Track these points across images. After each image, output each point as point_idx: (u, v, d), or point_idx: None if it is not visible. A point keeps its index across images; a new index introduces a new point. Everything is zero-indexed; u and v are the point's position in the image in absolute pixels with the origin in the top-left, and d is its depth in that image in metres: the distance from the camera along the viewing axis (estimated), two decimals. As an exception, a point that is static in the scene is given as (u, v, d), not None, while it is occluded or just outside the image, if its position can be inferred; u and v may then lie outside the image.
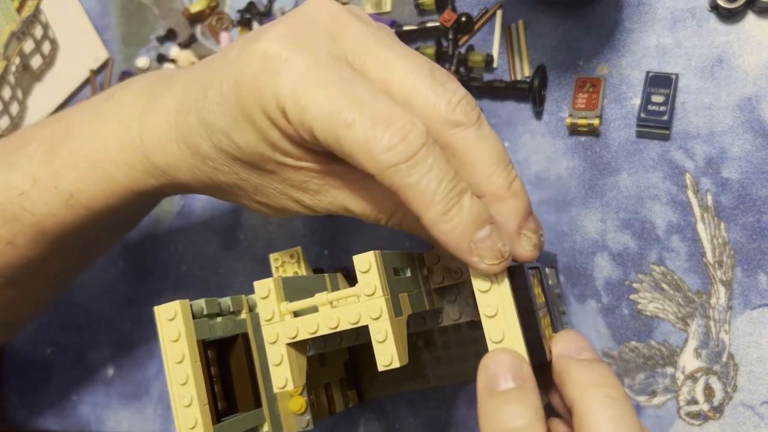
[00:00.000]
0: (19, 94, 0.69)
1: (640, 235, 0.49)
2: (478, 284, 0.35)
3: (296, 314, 0.36)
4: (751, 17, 0.48)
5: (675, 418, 0.47)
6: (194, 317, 0.39)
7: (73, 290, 0.66)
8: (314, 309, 0.36)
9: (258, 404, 0.41)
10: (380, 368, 0.34)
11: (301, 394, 0.44)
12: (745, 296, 0.46)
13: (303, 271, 0.44)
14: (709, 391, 0.46)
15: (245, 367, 0.42)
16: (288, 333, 0.36)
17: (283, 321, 0.36)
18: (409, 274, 0.39)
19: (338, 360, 0.50)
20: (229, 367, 0.42)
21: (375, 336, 0.34)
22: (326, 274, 0.43)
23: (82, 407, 0.65)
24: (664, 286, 0.48)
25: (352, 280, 0.46)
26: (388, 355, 0.34)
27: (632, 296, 0.49)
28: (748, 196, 0.47)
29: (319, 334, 0.35)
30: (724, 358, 0.46)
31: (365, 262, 0.34)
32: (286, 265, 0.45)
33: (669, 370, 0.47)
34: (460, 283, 0.41)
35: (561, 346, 0.36)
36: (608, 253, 0.49)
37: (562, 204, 0.51)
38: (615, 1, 0.51)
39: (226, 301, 0.41)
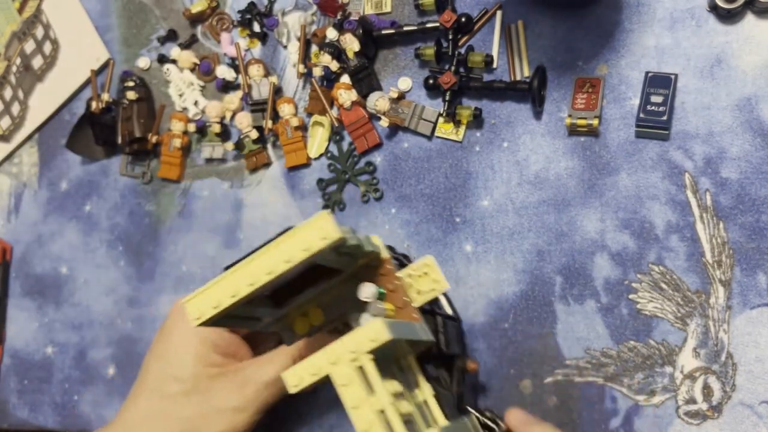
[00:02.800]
0: (21, 94, 0.69)
1: (639, 235, 0.49)
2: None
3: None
4: (750, 18, 0.48)
5: (674, 418, 0.47)
6: None
7: (74, 290, 0.66)
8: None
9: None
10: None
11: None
12: (744, 296, 0.46)
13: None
14: (707, 391, 0.46)
15: None
16: None
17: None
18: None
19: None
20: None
21: (337, 379, 0.35)
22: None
23: (82, 406, 0.65)
24: (663, 285, 0.48)
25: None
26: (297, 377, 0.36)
27: (631, 296, 0.49)
28: (747, 195, 0.47)
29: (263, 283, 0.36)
30: (723, 358, 0.46)
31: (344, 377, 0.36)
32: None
33: (668, 369, 0.47)
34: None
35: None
36: (607, 252, 0.49)
37: (562, 204, 0.51)
38: (614, 2, 0.51)
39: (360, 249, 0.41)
